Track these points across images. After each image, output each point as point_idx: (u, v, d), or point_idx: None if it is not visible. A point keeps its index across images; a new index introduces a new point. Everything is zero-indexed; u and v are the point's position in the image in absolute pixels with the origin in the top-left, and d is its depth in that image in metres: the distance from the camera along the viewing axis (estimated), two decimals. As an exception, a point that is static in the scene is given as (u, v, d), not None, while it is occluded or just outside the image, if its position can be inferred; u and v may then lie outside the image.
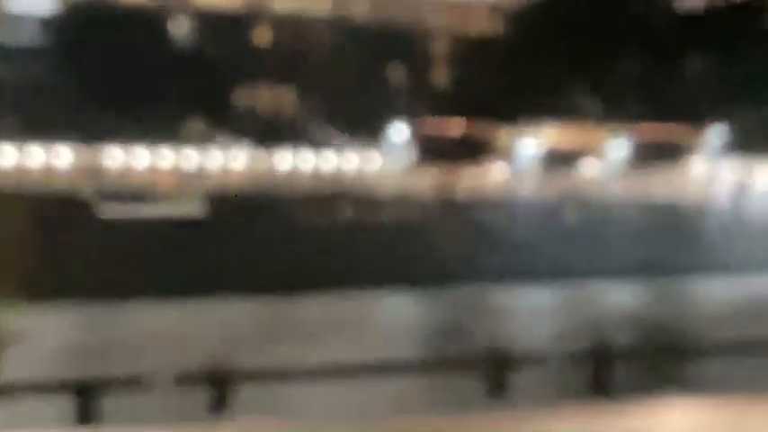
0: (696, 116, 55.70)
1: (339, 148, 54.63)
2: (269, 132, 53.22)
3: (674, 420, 11.92)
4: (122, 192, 49.77)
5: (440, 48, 57.19)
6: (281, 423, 12.33)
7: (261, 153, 52.26)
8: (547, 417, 12.32)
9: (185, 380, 16.96)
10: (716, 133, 59.08)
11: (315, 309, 44.29)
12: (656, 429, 11.48)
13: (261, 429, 12.03)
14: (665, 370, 22.82)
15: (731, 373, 21.81)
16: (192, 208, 50.48)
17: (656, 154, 57.27)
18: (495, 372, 17.90)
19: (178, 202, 50.70)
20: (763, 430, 11.16)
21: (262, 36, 55.17)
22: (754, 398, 13.55)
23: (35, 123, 49.10)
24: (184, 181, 50.02)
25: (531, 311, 45.86)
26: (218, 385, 15.45)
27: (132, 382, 16.95)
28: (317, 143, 54.51)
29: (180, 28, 54.14)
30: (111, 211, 50.18)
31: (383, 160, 54.67)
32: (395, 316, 44.01)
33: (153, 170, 51.12)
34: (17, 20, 51.12)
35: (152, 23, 53.19)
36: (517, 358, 19.53)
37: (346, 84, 53.04)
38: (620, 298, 48.58)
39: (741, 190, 60.52)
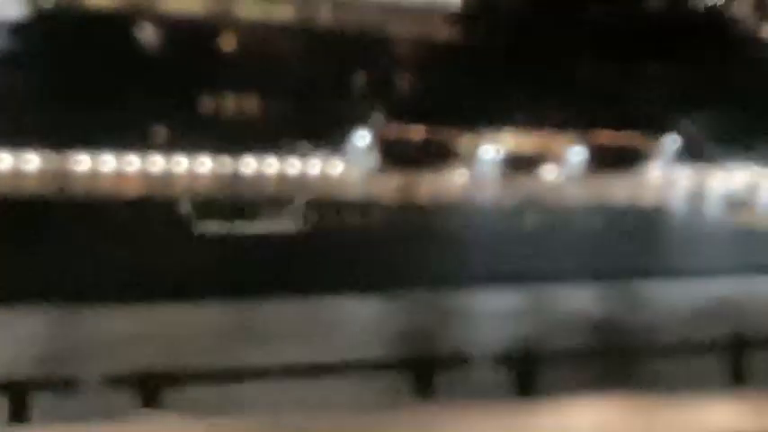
0: (653, 124, 56.25)
1: (303, 154, 53.32)
2: (232, 138, 51.21)
3: (589, 418, 12.16)
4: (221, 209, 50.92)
5: (402, 55, 56.15)
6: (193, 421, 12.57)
7: (225, 158, 51.08)
8: (467, 414, 12.54)
9: (116, 381, 16.02)
10: (672, 141, 59.98)
11: (279, 312, 43.08)
12: (571, 427, 11.72)
13: (180, 426, 12.33)
14: (606, 370, 23.41)
15: (675, 373, 20.39)
16: (288, 224, 51.66)
17: (613, 160, 57.34)
18: (424, 372, 17.22)
19: (275, 219, 51.70)
20: (678, 429, 11.41)
21: (226, 43, 54.19)
22: (672, 396, 13.76)
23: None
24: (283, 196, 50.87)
25: (491, 314, 44.07)
26: (147, 387, 14.79)
27: (65, 383, 16.09)
28: (280, 148, 53.02)
29: (146, 34, 53.12)
30: (208, 228, 50.68)
31: (346, 165, 53.73)
32: (355, 319, 43.22)
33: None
34: None
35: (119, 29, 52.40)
36: (446, 359, 18.93)
37: (310, 90, 51.27)
38: (577, 300, 46.86)
39: (696, 195, 61.04)
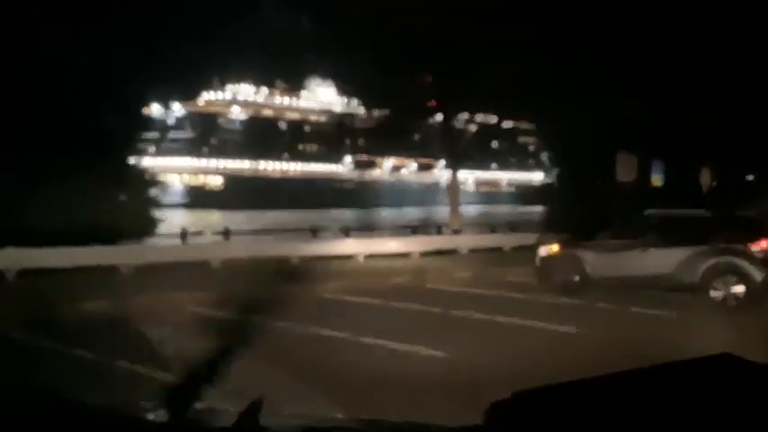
0: (434, 155, 78.47)
1: (329, 163, 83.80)
2: (307, 158, 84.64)
3: (351, 244, 22.35)
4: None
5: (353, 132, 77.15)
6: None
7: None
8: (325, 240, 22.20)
9: None
10: (443, 161, 72.10)
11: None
12: (345, 247, 21.64)
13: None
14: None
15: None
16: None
17: (423, 168, 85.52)
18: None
19: None
20: (378, 248, 21.49)
21: (301, 127, 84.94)
22: (382, 237, 25.05)
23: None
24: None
25: (384, 214, 61.12)
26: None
27: None
28: (324, 162, 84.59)
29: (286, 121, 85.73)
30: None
31: (343, 167, 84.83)
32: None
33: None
34: (232, 121, 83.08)
35: (271, 120, 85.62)
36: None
37: (329, 145, 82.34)
38: (414, 213, 59.47)
39: (453, 181, 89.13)
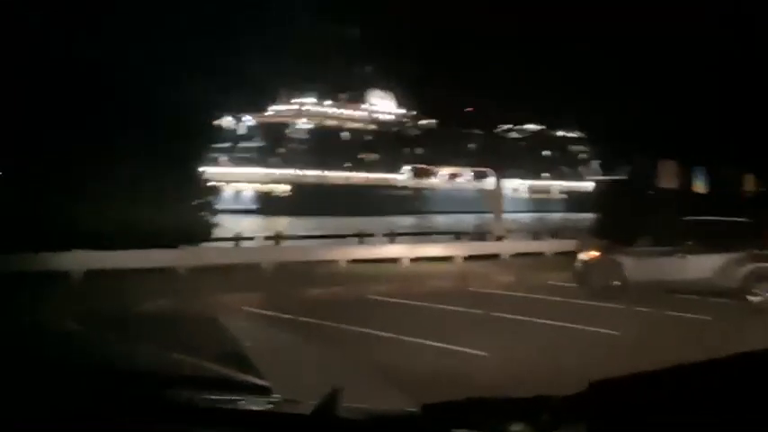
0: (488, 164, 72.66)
1: (388, 172, 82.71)
2: (368, 166, 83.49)
3: (396, 248, 21.68)
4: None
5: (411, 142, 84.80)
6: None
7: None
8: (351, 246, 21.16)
9: None
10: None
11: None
12: (388, 250, 21.22)
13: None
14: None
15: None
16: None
17: (479, 176, 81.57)
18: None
19: None
20: (422, 252, 20.99)
21: (363, 136, 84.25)
22: (424, 240, 25.21)
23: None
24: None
25: (438, 220, 59.35)
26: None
27: None
28: (383, 170, 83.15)
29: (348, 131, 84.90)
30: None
31: (402, 175, 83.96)
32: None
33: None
34: (299, 131, 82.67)
35: (335, 130, 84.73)
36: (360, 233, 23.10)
37: (389, 154, 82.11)
38: (466, 219, 50.60)
39: (496, 188, 68.90)
